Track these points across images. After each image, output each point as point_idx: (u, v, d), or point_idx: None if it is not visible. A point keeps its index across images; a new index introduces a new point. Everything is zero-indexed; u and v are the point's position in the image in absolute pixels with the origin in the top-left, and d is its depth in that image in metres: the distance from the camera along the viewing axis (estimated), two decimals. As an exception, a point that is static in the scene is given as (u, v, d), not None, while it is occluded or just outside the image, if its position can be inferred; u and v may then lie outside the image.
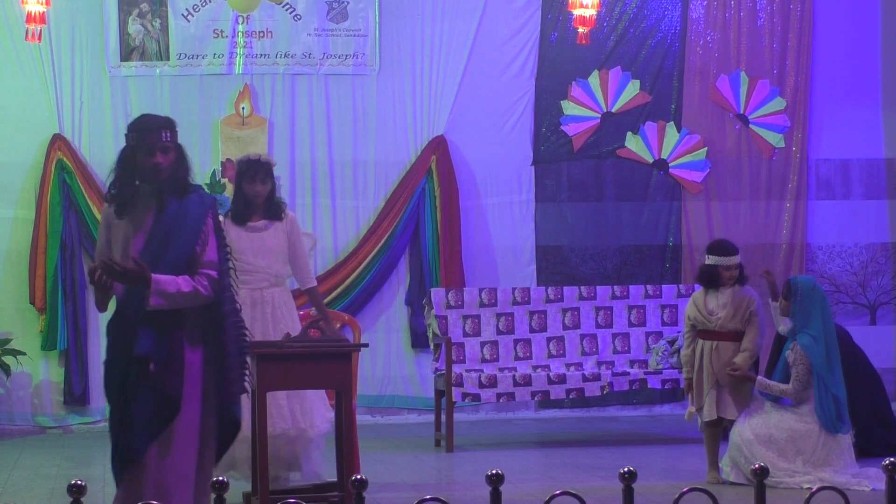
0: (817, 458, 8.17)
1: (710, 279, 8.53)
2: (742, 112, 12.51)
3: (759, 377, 8.37)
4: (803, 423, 8.22)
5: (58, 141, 11.52)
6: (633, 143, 12.40)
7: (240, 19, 11.82)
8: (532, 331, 10.89)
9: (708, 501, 4.03)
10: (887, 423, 9.55)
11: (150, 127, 5.82)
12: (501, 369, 10.66)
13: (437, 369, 10.53)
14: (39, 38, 10.87)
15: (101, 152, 11.52)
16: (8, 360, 11.08)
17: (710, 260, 8.56)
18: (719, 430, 8.51)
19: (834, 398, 8.17)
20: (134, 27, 11.73)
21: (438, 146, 12.05)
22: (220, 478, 3.88)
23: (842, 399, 8.20)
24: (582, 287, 11.17)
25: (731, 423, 8.42)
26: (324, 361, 7.18)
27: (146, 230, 5.77)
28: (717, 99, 12.49)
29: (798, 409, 8.26)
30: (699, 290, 8.66)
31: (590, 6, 11.11)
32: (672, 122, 12.43)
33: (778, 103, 12.54)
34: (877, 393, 9.62)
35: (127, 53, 11.74)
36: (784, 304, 8.45)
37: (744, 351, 8.40)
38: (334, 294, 11.81)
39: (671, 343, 10.77)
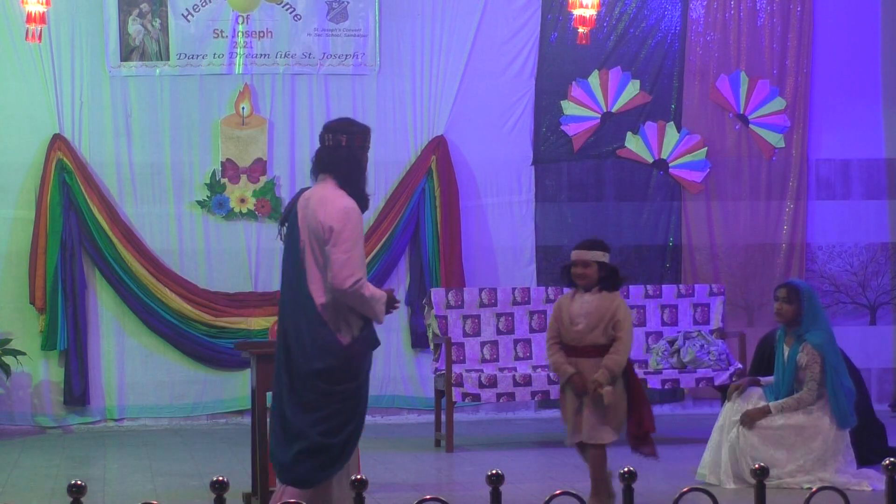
0: (822, 456, 8.13)
1: (566, 274, 7.25)
2: (742, 112, 12.51)
3: (771, 404, 8.20)
4: (812, 419, 8.17)
5: (58, 141, 11.52)
6: (633, 143, 12.40)
7: (240, 19, 11.82)
8: (532, 331, 10.88)
9: (708, 501, 4.03)
10: (872, 430, 9.38)
11: (367, 129, 6.14)
12: (501, 369, 10.65)
13: (437, 369, 10.53)
14: (39, 38, 10.87)
15: (101, 152, 11.52)
16: (8, 360, 11.08)
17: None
18: (590, 454, 7.14)
19: (846, 389, 8.14)
20: (134, 27, 11.73)
21: (438, 146, 12.05)
22: (220, 478, 3.87)
23: (851, 390, 8.18)
24: (582, 287, 11.14)
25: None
26: (324, 361, 7.16)
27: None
28: (717, 99, 12.49)
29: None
30: (568, 293, 7.37)
31: (590, 6, 11.11)
32: (672, 122, 12.43)
33: (778, 103, 12.54)
34: (860, 398, 9.46)
35: (127, 53, 11.74)
36: (787, 309, 8.26)
37: (602, 367, 7.03)
38: (334, 294, 11.81)
39: (671, 343, 10.77)
